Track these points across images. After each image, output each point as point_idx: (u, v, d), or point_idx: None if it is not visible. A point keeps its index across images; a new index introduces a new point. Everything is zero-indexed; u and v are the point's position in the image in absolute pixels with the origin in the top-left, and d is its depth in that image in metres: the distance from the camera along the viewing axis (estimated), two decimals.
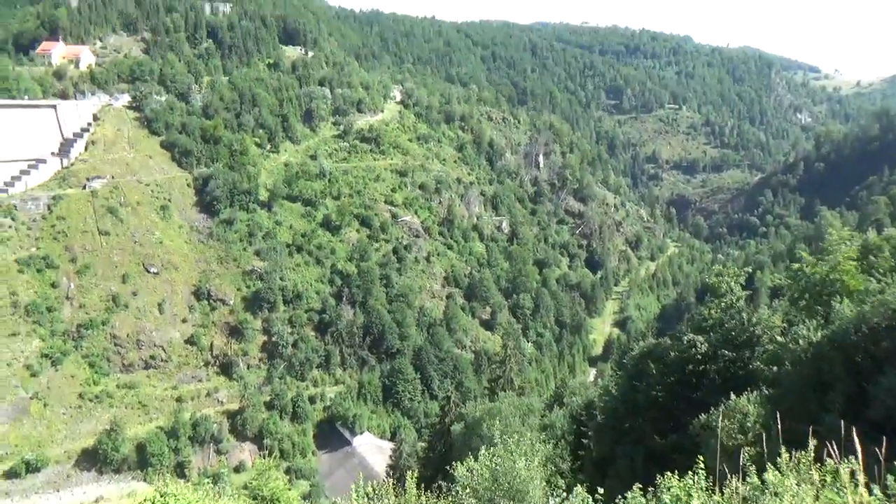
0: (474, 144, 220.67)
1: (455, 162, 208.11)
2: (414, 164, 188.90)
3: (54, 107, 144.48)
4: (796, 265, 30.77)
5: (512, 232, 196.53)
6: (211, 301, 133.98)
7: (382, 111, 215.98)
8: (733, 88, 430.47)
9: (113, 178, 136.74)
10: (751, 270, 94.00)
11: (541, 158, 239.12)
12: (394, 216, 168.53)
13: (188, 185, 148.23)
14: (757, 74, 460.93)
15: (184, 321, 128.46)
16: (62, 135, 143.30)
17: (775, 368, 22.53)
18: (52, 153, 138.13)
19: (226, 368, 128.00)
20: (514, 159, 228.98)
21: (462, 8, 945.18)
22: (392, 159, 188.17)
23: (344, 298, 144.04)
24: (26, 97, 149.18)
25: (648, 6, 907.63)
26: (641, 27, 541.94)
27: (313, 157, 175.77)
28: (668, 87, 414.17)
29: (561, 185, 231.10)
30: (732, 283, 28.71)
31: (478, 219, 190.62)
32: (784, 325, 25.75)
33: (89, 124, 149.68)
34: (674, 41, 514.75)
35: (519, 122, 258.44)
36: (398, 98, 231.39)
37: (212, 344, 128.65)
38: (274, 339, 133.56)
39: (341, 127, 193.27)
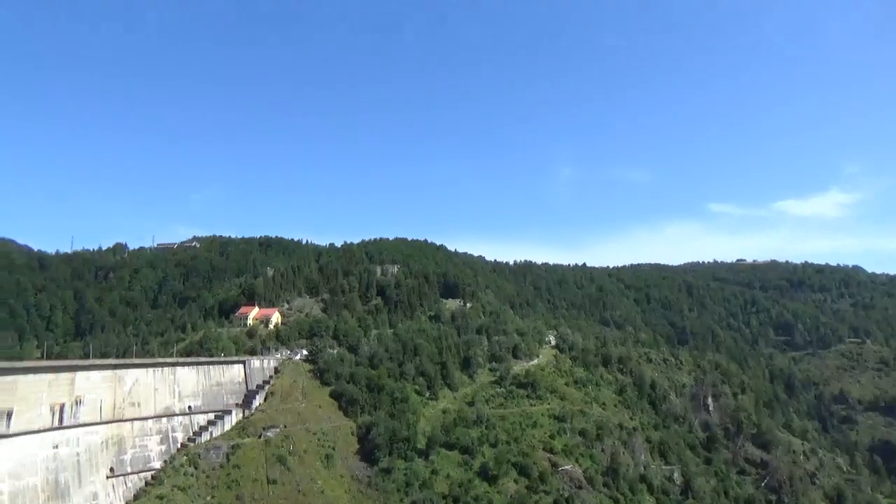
0: (635, 387, 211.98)
1: (616, 406, 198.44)
2: (572, 408, 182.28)
3: (244, 362, 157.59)
4: None
5: (685, 483, 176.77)
6: None
7: (538, 356, 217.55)
8: None
9: (285, 426, 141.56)
10: None
11: (709, 401, 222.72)
12: (553, 465, 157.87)
13: (352, 434, 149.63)
14: None
15: None
16: (247, 387, 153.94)
17: None
18: (237, 404, 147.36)
19: None
20: (679, 402, 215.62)
21: (611, 255, 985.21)
22: (549, 404, 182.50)
23: None
24: (222, 354, 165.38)
25: (808, 244, 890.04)
26: (804, 261, 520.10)
27: (471, 404, 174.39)
28: (846, 321, 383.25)
29: (737, 431, 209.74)
30: None
31: (645, 468, 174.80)
32: None
33: (271, 377, 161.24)
34: (843, 273, 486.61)
35: (681, 362, 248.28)
36: (553, 342, 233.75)
37: None
38: None
39: (498, 373, 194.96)
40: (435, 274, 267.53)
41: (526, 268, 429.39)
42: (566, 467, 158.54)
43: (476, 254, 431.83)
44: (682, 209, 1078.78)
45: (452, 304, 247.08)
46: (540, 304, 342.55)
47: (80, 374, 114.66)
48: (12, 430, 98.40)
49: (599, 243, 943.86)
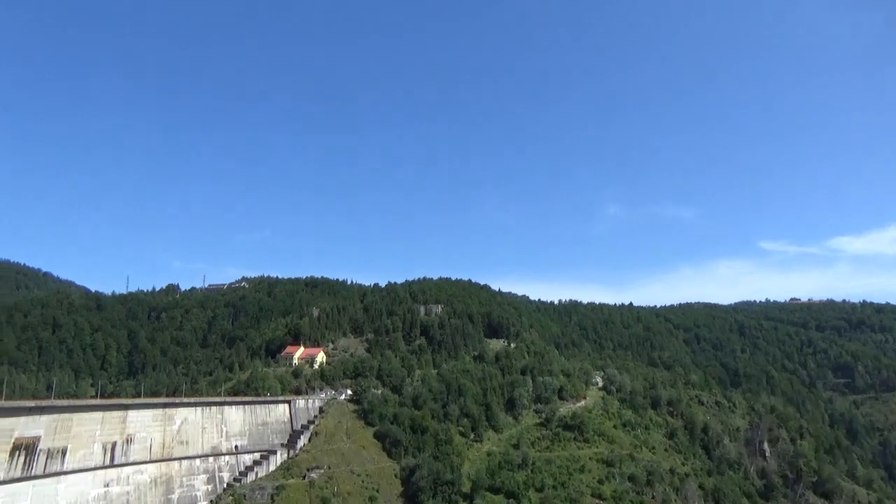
0: (686, 431, 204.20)
1: (666, 450, 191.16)
2: (621, 452, 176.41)
3: (289, 402, 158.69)
4: None
5: None
6: None
7: (585, 397, 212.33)
8: None
9: (329, 467, 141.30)
10: None
11: (766, 446, 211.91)
12: None
13: (395, 476, 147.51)
14: None
15: None
16: (292, 427, 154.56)
17: None
18: (282, 444, 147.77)
19: None
20: (733, 447, 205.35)
21: (659, 294, 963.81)
22: (597, 447, 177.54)
23: None
24: (268, 394, 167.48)
25: (866, 281, 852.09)
26: (862, 300, 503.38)
27: (516, 446, 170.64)
28: None
29: (796, 478, 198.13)
30: None
31: None
32: None
33: (316, 417, 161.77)
34: None
35: (734, 405, 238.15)
36: (600, 384, 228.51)
37: None
38: None
39: (543, 414, 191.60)
40: (479, 314, 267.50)
41: (571, 307, 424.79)
42: None
43: (520, 293, 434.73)
44: (731, 247, 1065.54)
45: (496, 345, 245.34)
46: (586, 345, 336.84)
47: (132, 413, 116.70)
48: (66, 467, 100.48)
49: (646, 282, 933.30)
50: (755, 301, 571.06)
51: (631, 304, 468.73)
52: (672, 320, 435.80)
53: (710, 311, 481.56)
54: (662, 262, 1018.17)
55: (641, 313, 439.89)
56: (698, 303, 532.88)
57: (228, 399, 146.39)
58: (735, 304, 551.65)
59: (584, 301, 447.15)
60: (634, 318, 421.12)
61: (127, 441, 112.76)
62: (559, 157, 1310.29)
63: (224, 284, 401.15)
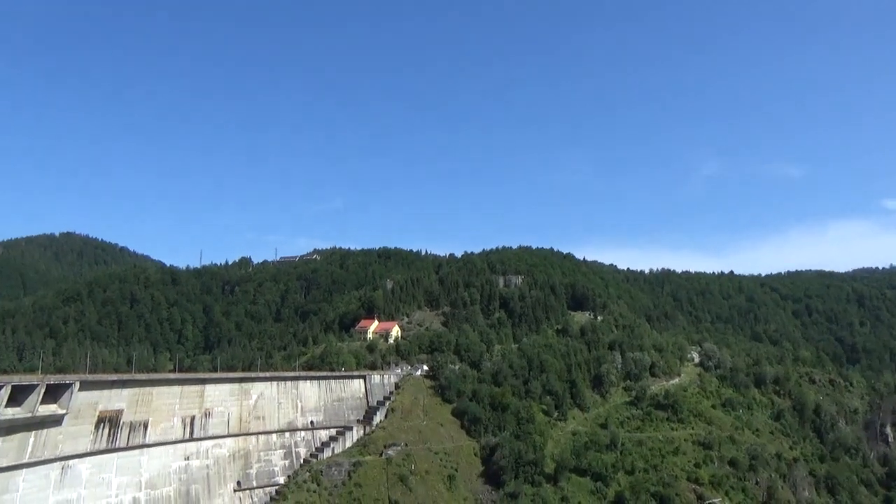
0: (794, 412, 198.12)
1: (772, 433, 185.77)
2: (721, 434, 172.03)
3: (364, 377, 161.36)
4: None
5: None
6: None
7: (679, 374, 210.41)
8: None
9: (406, 445, 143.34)
10: None
11: (888, 430, 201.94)
12: (700, 497, 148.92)
13: (475, 455, 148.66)
14: None
15: None
16: (368, 403, 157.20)
17: None
18: (358, 420, 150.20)
19: None
20: (850, 430, 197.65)
21: (763, 261, 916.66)
22: (693, 429, 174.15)
23: None
24: (343, 369, 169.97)
25: None
26: None
27: (603, 426, 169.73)
28: None
29: None
30: None
31: None
32: None
33: (391, 393, 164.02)
34: None
35: (851, 384, 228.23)
36: (696, 360, 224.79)
37: None
38: None
39: (633, 392, 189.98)
40: (562, 285, 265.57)
41: (663, 277, 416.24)
42: (714, 501, 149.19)
43: (606, 262, 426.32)
44: (848, 206, 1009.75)
45: (581, 318, 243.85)
46: (680, 317, 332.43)
47: (209, 387, 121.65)
48: (148, 440, 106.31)
49: (748, 248, 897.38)
50: (877, 268, 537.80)
51: (731, 272, 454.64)
52: (779, 290, 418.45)
53: (823, 280, 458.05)
54: (768, 225, 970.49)
55: (743, 282, 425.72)
56: (809, 270, 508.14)
57: (303, 374, 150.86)
58: (853, 270, 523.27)
59: (678, 270, 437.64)
60: (735, 287, 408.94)
61: (205, 415, 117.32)
62: (647, 113, 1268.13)
63: (296, 257, 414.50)
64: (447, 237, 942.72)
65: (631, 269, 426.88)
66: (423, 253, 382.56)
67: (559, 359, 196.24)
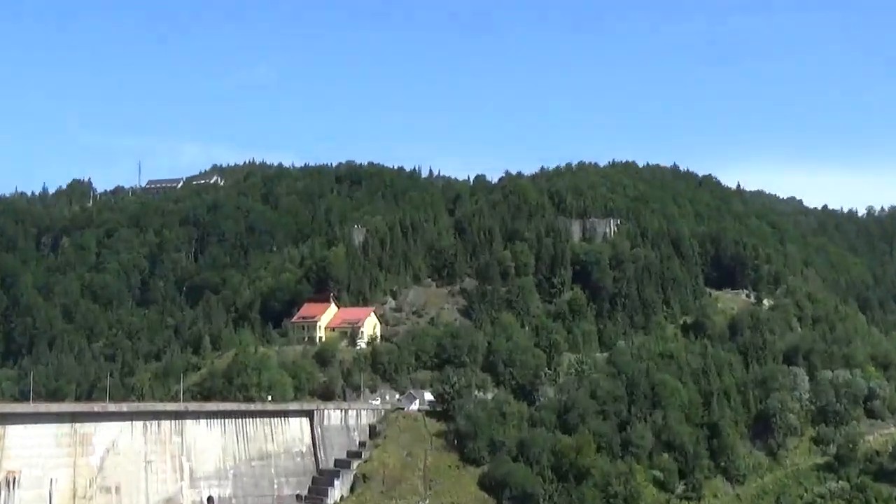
0: None
1: None
2: None
3: (311, 414, 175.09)
4: None
5: None
6: None
7: None
8: None
9: None
10: None
11: None
12: None
13: None
14: None
15: None
16: (317, 461, 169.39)
17: None
18: (299, 496, 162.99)
19: None
20: None
21: None
22: None
23: None
24: (269, 397, 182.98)
25: None
26: None
27: None
28: None
29: None
30: None
31: None
32: None
33: (363, 443, 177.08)
34: None
35: None
36: None
37: None
38: None
39: (832, 447, 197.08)
40: (694, 237, 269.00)
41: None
42: None
43: (782, 195, 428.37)
44: None
45: (732, 301, 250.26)
46: None
47: (14, 431, 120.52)
48: None
49: None
50: None
51: None
52: None
53: None
54: None
55: None
56: None
57: (194, 407, 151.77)
58: None
59: None
60: None
61: (8, 484, 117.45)
62: None
63: (179, 180, 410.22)
64: (470, 144, 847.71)
65: (830, 208, 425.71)
66: (424, 174, 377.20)
67: (688, 381, 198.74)
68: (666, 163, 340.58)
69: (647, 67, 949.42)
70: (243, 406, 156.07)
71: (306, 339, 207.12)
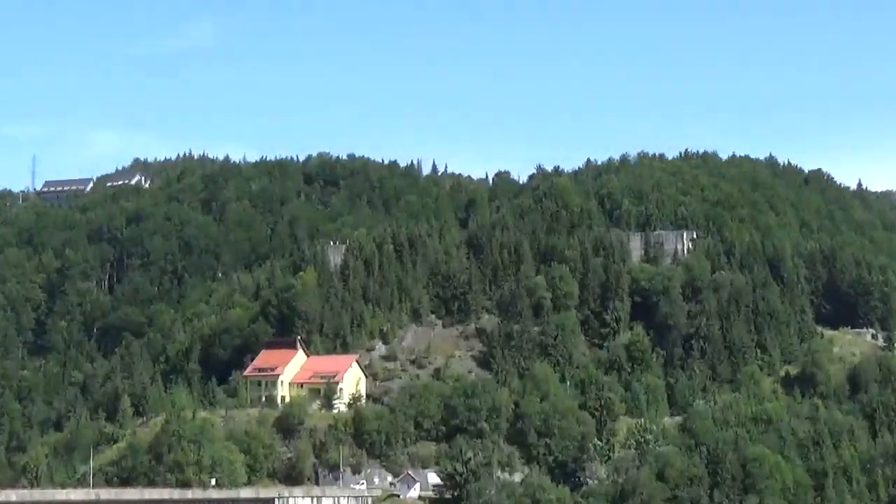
0: None
1: None
2: None
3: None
4: None
5: None
6: None
7: None
8: None
9: None
10: None
11: None
12: None
13: None
14: None
15: None
16: None
17: None
18: None
19: None
20: None
21: None
22: None
23: None
24: (213, 481, 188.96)
25: None
26: None
27: None
28: None
29: None
30: None
31: None
32: None
33: None
34: None
35: None
36: None
37: None
38: None
39: None
40: (801, 255, 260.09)
41: None
42: None
43: None
44: None
45: (853, 343, 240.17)
46: None
47: None
48: None
49: None
50: None
51: None
52: None
53: None
54: None
55: None
56: None
57: (108, 495, 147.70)
58: None
59: None
60: None
61: None
62: None
63: (88, 180, 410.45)
64: (489, 130, 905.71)
65: None
66: (428, 171, 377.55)
67: (793, 455, 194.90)
68: (759, 154, 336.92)
69: (732, 25, 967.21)
70: (177, 494, 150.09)
71: (264, 399, 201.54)
